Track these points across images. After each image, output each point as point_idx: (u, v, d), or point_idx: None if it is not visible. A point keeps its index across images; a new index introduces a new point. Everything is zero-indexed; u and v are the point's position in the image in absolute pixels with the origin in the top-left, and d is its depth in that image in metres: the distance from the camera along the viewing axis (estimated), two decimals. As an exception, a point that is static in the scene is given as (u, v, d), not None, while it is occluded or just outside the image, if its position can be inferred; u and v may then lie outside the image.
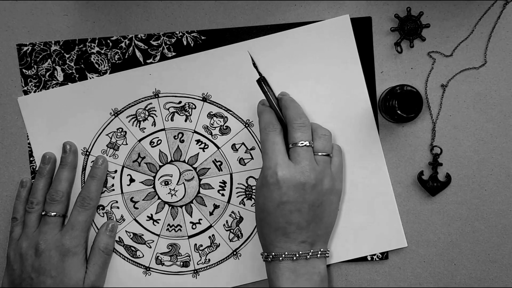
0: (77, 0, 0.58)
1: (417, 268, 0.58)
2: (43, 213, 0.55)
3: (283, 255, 0.50)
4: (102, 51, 0.58)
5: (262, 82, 0.53)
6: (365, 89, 0.57)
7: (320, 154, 0.51)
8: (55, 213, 0.55)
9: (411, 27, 0.56)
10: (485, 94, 0.57)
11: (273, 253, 0.50)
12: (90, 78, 0.58)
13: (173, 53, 0.57)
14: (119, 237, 0.58)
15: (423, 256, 0.58)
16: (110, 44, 0.58)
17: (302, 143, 0.50)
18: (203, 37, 0.57)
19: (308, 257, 0.50)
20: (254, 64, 0.54)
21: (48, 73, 0.58)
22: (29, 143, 0.58)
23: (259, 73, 0.53)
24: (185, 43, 0.57)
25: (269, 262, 0.51)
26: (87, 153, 0.58)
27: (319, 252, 0.51)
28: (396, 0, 0.57)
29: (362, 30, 0.57)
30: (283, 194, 0.49)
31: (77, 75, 0.58)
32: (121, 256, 0.58)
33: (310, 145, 0.51)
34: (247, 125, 0.58)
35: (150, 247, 0.58)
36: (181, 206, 0.58)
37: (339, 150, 0.54)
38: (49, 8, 0.58)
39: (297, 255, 0.50)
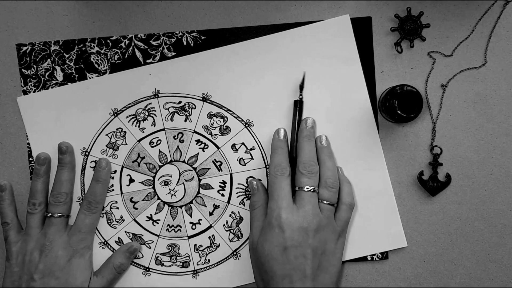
0: (77, 0, 0.58)
1: (417, 268, 0.58)
2: (48, 215, 0.55)
3: None
4: (102, 51, 0.57)
5: (298, 104, 0.55)
6: (365, 89, 0.57)
7: (325, 202, 0.52)
8: (60, 214, 0.55)
9: (411, 27, 0.56)
10: (485, 94, 0.57)
11: None
12: (90, 78, 0.58)
13: (173, 53, 0.57)
14: (119, 237, 0.58)
15: (423, 256, 0.58)
16: (110, 44, 0.57)
17: (307, 188, 0.51)
18: (203, 37, 0.57)
19: None
20: (301, 85, 0.55)
21: (47, 73, 0.58)
22: (28, 143, 0.58)
23: (301, 95, 0.55)
24: (185, 43, 0.57)
25: None
26: (87, 153, 0.58)
27: None
28: (396, 0, 0.57)
29: (362, 30, 0.57)
30: (288, 238, 0.49)
31: (77, 75, 0.58)
32: (121, 256, 0.58)
33: (315, 191, 0.52)
34: (247, 125, 0.57)
35: (150, 248, 0.58)
36: (180, 207, 0.58)
37: (350, 207, 0.54)
38: (49, 8, 0.58)
39: None
